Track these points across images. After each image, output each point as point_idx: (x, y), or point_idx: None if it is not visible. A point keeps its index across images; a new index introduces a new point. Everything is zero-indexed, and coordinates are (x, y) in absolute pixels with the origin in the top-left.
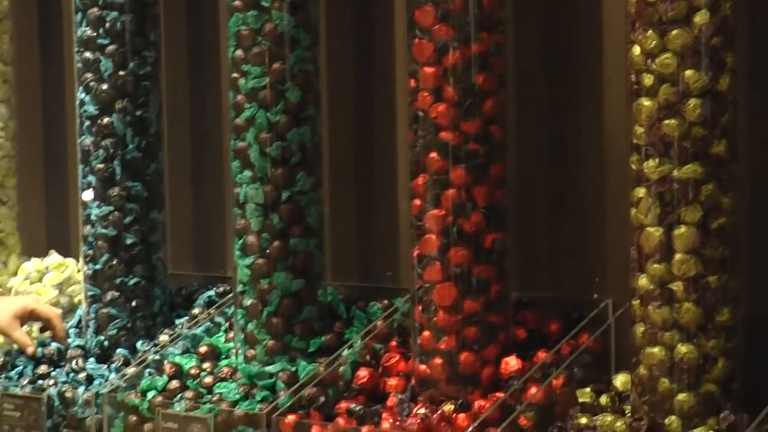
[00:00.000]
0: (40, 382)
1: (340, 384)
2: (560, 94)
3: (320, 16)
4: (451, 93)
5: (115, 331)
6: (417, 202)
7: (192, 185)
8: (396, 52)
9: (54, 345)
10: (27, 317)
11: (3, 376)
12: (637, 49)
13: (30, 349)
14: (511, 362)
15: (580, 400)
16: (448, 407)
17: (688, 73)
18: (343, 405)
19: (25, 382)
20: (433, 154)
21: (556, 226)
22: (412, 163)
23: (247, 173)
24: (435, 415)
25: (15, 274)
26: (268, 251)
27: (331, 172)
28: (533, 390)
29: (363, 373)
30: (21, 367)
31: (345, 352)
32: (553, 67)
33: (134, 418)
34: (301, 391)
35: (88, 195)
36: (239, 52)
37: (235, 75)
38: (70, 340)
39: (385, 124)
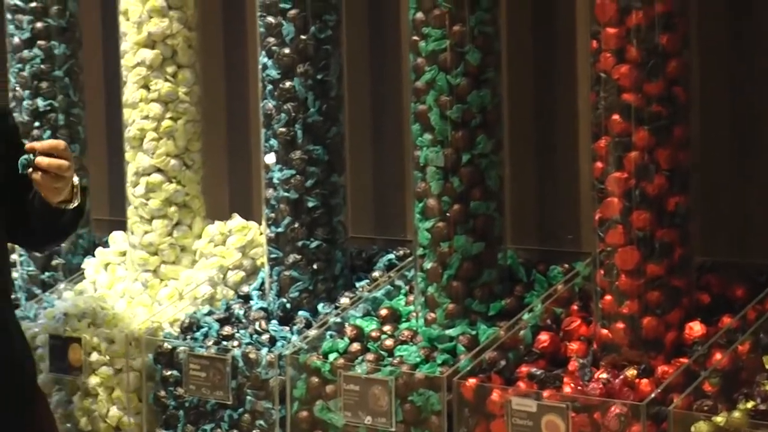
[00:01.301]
0: (224, 343)
1: (521, 348)
2: (746, 60)
3: None
4: (634, 54)
5: (296, 293)
6: (599, 164)
7: (372, 148)
8: (577, 13)
9: None
10: None
11: (189, 337)
12: None
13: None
14: (695, 327)
15: (767, 366)
16: (631, 372)
17: None
18: (523, 369)
19: (210, 343)
20: (616, 116)
21: (740, 189)
22: (593, 125)
23: (428, 136)
24: (617, 380)
25: (199, 236)
26: (448, 214)
27: (511, 134)
28: (718, 356)
29: (544, 337)
30: (206, 329)
31: (525, 316)
32: (738, 33)
33: (316, 379)
34: (482, 354)
35: (270, 158)
36: (419, 15)
37: (415, 38)
38: (252, 303)
39: (566, 86)
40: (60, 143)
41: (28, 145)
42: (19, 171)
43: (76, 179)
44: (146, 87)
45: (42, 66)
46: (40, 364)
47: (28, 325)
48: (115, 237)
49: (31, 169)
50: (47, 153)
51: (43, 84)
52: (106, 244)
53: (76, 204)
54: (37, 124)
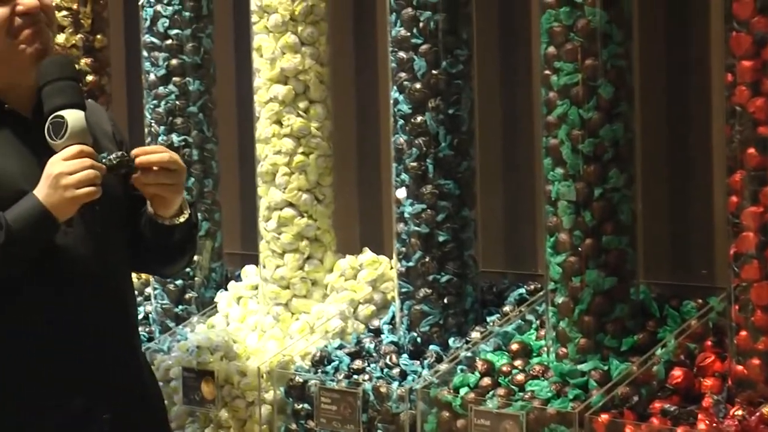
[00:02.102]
0: (355, 377)
1: (654, 383)
2: None
3: (633, 10)
4: None
5: (427, 327)
6: (734, 198)
7: (503, 182)
8: (711, 46)
9: None
10: None
11: (320, 370)
12: None
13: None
14: None
15: None
16: (767, 409)
17: None
18: (657, 405)
19: (341, 376)
20: (751, 150)
21: None
22: (728, 159)
23: (559, 170)
24: (753, 417)
25: (330, 270)
26: (580, 249)
27: (643, 168)
28: None
29: (677, 372)
30: (337, 362)
31: (658, 351)
32: None
33: (447, 414)
34: (614, 390)
35: (401, 193)
36: (551, 49)
37: (547, 72)
38: (383, 337)
39: (700, 120)
40: (163, 148)
41: (133, 151)
42: (109, 165)
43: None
44: (279, 122)
45: (177, 102)
46: (174, 397)
47: (162, 358)
48: (248, 271)
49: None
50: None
51: (177, 120)
52: (238, 278)
53: (185, 218)
54: None
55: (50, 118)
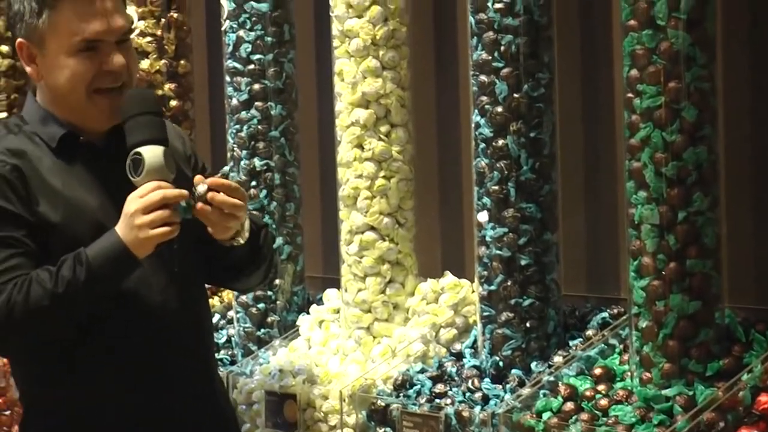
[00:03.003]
0: (437, 401)
1: (740, 409)
2: None
3: (716, 32)
4: None
5: (509, 351)
6: None
7: (585, 206)
8: None
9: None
10: None
11: (402, 394)
12: None
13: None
14: None
15: None
16: None
17: None
18: (743, 431)
19: (423, 400)
20: None
21: None
22: None
23: (642, 193)
24: None
25: (412, 294)
26: (663, 272)
27: (727, 191)
28: None
29: (764, 398)
30: (419, 386)
31: (744, 377)
32: None
33: None
34: (699, 415)
35: (483, 216)
36: (634, 72)
37: (629, 95)
38: (465, 360)
39: None
40: (232, 183)
41: (197, 177)
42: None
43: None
44: (360, 146)
45: (259, 126)
46: (256, 420)
47: (245, 381)
48: (329, 294)
49: (200, 204)
50: (218, 190)
51: (259, 144)
52: (320, 302)
53: (242, 241)
54: (253, 183)
55: (130, 155)
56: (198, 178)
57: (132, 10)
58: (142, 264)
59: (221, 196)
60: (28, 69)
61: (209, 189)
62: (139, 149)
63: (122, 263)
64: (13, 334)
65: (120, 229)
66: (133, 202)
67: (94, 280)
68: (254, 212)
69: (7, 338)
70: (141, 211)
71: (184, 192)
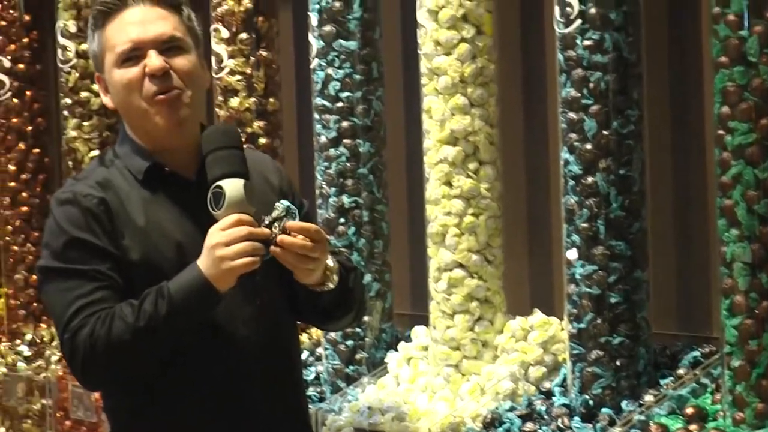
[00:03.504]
0: None
1: None
2: None
3: None
4: None
5: (599, 390)
6: None
7: (675, 244)
8: None
9: None
10: None
11: None
12: None
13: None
14: None
15: None
16: None
17: None
18: None
19: None
20: None
21: None
22: None
23: (734, 231)
24: None
25: (501, 332)
26: (756, 311)
27: None
28: None
29: None
30: (508, 425)
31: None
32: None
33: None
34: None
35: (572, 254)
36: (725, 109)
37: (720, 132)
38: (554, 399)
39: None
40: (311, 227)
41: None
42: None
43: (331, 262)
44: (448, 183)
45: (347, 164)
46: None
47: (333, 418)
48: (418, 332)
49: (271, 247)
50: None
51: (348, 181)
52: (408, 339)
53: (329, 287)
54: (342, 220)
55: (211, 188)
56: (275, 216)
57: (222, 49)
58: (224, 297)
59: (289, 239)
60: (104, 100)
61: (283, 231)
62: (219, 183)
63: (204, 297)
64: (96, 368)
65: (202, 262)
66: (215, 235)
67: (176, 314)
68: (345, 254)
69: (91, 372)
70: (222, 244)
71: (266, 231)
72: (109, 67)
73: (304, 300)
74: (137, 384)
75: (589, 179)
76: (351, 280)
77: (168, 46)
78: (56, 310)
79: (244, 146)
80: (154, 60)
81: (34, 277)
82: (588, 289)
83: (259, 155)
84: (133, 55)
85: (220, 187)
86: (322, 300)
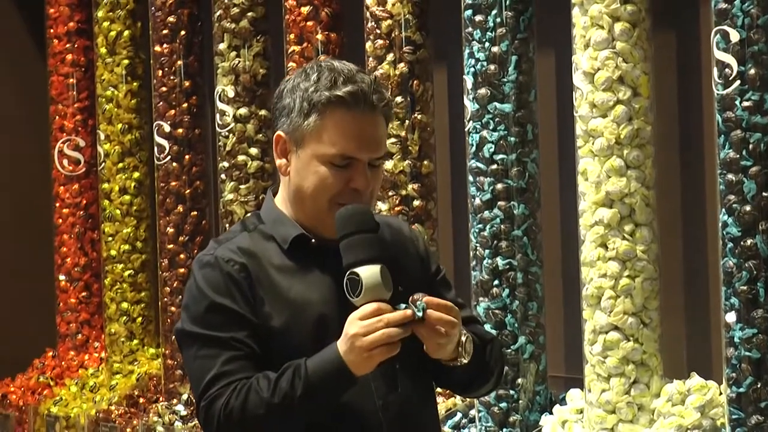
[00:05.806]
0: None
1: None
2: None
3: None
4: None
5: None
6: None
7: None
8: None
9: None
10: None
11: None
12: None
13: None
14: None
15: None
16: None
17: None
18: None
19: None
20: None
21: None
22: None
23: None
24: None
25: (657, 395)
26: None
27: None
28: None
29: None
30: None
31: None
32: None
33: None
34: None
35: (731, 317)
36: None
37: None
38: None
39: None
40: (448, 303)
41: (415, 295)
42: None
43: (463, 337)
44: (604, 245)
45: (502, 226)
46: None
47: None
48: (572, 394)
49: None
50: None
51: (502, 243)
52: (563, 402)
53: (465, 360)
54: (496, 282)
55: (347, 274)
56: (416, 296)
57: None
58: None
59: (437, 314)
60: (278, 161)
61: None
62: (356, 269)
63: (341, 381)
64: None
65: (341, 346)
66: (354, 324)
67: (311, 395)
68: (481, 326)
69: None
70: (361, 335)
71: (407, 313)
72: (310, 154)
73: (440, 374)
74: None
75: (749, 241)
76: (487, 353)
77: (376, 163)
78: (194, 376)
79: (375, 212)
80: (362, 181)
81: None
82: (747, 353)
83: (395, 222)
84: (346, 163)
85: (356, 274)
86: (456, 374)
